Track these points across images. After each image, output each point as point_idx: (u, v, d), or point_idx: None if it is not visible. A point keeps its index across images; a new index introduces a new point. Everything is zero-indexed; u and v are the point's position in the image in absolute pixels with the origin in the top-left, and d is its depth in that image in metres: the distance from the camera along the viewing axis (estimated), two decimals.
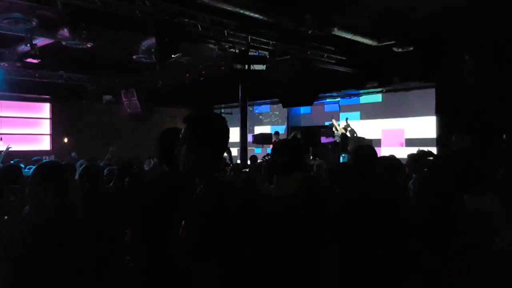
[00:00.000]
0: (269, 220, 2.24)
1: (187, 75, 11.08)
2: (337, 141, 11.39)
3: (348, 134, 10.90)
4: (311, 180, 3.05)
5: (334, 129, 11.58)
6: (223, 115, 15.37)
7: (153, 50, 7.51)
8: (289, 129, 13.85)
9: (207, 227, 1.63)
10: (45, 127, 13.37)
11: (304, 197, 2.37)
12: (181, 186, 1.86)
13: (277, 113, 14.49)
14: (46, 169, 2.26)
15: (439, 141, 9.37)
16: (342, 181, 3.32)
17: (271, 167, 2.66)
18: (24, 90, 11.67)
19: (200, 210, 1.68)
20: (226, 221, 1.67)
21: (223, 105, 15.14)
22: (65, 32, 6.72)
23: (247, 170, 6.71)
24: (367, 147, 3.09)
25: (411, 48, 8.26)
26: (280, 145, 2.60)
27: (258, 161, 9.44)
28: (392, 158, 3.51)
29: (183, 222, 1.71)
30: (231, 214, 1.69)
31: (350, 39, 7.72)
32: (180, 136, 1.79)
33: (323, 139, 11.99)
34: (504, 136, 7.39)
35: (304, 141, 10.95)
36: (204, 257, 1.64)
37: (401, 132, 11.57)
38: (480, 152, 4.54)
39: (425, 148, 5.90)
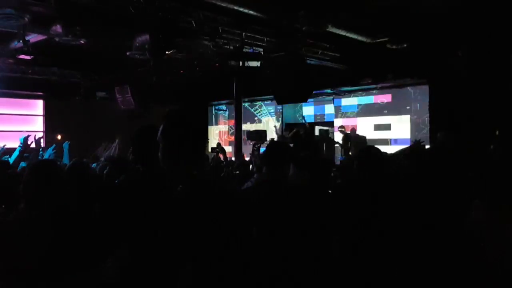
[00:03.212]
0: (283, 207, 2.34)
1: (181, 71, 11.04)
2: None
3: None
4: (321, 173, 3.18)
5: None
6: (215, 111, 15.38)
7: (147, 46, 7.47)
8: (284, 125, 13.85)
9: (190, 228, 1.62)
10: (38, 124, 13.28)
11: (316, 188, 2.55)
12: (161, 187, 1.80)
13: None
14: (42, 167, 2.24)
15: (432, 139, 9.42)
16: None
17: (291, 158, 2.77)
18: (16, 86, 11.56)
19: (182, 211, 1.65)
20: (211, 220, 1.66)
21: (223, 102, 15.13)
22: (58, 28, 6.66)
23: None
24: (374, 149, 3.17)
25: (405, 45, 8.28)
26: (305, 141, 2.83)
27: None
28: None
29: (163, 224, 1.67)
30: (214, 213, 1.68)
31: (344, 36, 7.72)
32: (158, 134, 1.78)
33: None
34: (497, 132, 7.45)
35: (307, 138, 11.05)
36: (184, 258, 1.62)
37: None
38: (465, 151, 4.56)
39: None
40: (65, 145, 5.40)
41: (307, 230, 2.43)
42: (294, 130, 11.58)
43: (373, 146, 3.32)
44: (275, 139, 11.32)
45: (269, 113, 14.46)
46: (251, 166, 6.61)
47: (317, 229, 2.48)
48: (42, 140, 5.23)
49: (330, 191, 3.07)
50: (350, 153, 10.95)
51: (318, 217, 2.50)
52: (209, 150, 12.93)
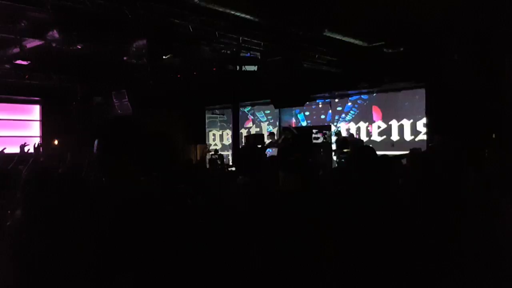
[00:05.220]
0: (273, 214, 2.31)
1: (178, 76, 11.05)
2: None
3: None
4: (314, 178, 3.15)
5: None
6: (213, 116, 15.36)
7: (144, 51, 7.48)
8: (281, 129, 13.87)
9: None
10: (35, 129, 13.25)
11: (307, 194, 2.50)
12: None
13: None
14: (41, 174, 2.23)
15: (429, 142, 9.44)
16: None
17: (279, 163, 2.75)
18: (13, 92, 11.56)
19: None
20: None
21: (217, 106, 15.14)
22: (55, 33, 6.67)
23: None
24: (367, 148, 3.14)
25: (401, 49, 8.32)
26: (292, 145, 2.77)
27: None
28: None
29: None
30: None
31: (341, 40, 7.75)
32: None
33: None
34: (493, 136, 7.47)
35: (295, 142, 11.05)
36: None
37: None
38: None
39: None
40: None
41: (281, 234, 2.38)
42: (283, 136, 11.61)
43: (368, 145, 3.31)
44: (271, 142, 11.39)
45: (266, 117, 14.48)
46: None
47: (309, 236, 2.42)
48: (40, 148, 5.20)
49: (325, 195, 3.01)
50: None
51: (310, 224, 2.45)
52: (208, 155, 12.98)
